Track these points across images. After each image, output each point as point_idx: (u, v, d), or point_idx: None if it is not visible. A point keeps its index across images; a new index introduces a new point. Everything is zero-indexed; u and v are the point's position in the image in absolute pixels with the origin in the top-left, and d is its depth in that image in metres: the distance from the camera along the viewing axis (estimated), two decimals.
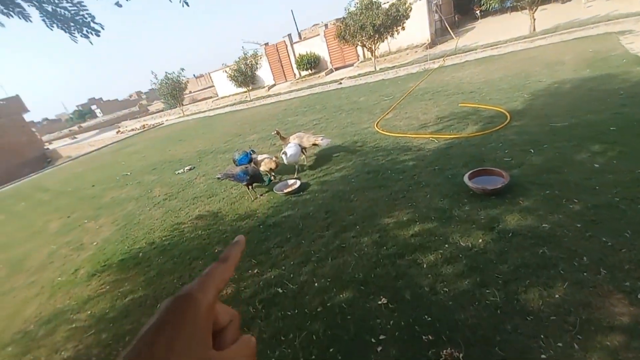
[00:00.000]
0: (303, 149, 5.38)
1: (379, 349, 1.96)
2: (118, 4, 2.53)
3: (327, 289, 2.56)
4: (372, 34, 13.48)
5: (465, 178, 3.34)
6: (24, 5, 2.25)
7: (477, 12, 21.67)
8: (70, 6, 2.39)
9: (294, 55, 21.65)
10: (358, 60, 19.20)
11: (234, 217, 4.39)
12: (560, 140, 3.85)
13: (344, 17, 14.35)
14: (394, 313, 2.15)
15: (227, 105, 19.78)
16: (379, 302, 2.26)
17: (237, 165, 5.11)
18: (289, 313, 2.44)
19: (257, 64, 19.05)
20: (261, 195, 4.79)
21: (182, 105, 23.02)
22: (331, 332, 2.17)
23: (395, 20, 13.40)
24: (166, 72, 20.42)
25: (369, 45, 14.35)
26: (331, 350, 2.05)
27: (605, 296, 1.87)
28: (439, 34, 19.14)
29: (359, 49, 18.03)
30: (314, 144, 5.41)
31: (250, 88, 20.39)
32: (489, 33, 14.86)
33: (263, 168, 5.05)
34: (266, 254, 3.32)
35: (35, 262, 5.07)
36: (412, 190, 3.68)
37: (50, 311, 3.58)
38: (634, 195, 2.59)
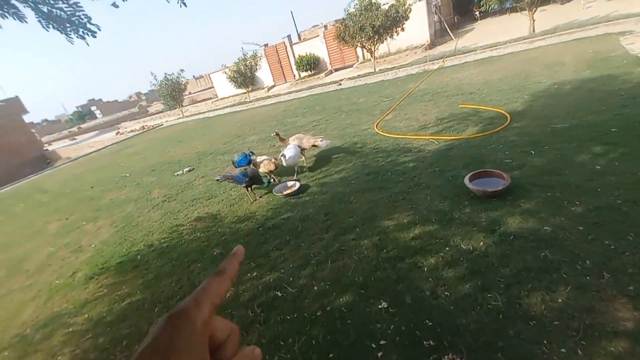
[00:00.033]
0: (302, 150, 5.36)
1: (380, 354, 1.93)
2: (115, 5, 2.51)
3: (326, 293, 2.54)
4: (371, 35, 13.46)
5: (466, 180, 3.31)
6: (20, 6, 2.23)
7: (477, 13, 21.67)
8: (66, 7, 2.36)
9: (294, 56, 21.64)
10: (357, 61, 19.19)
11: (233, 219, 4.37)
12: (561, 141, 3.82)
13: (343, 19, 14.34)
14: (394, 317, 2.12)
15: (226, 107, 19.76)
16: (380, 306, 2.23)
17: (236, 167, 5.09)
18: (288, 317, 2.41)
19: (256, 65, 19.05)
20: (260, 197, 4.77)
21: (182, 106, 23.01)
22: (331, 337, 2.14)
23: (394, 21, 13.39)
24: (165, 73, 20.42)
25: (369, 47, 14.34)
26: (331, 355, 2.03)
27: (609, 300, 1.84)
28: (439, 35, 19.14)
29: (359, 50, 18.04)
30: (314, 145, 5.39)
31: (250, 89, 20.39)
32: (488, 34, 14.86)
33: (262, 170, 5.03)
34: (265, 257, 3.29)
35: (34, 264, 5.03)
36: (412, 192, 3.66)
37: (48, 314, 3.54)
38: (637, 197, 2.57)
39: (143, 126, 23.28)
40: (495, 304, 1.99)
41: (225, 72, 19.61)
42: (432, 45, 16.95)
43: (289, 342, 2.20)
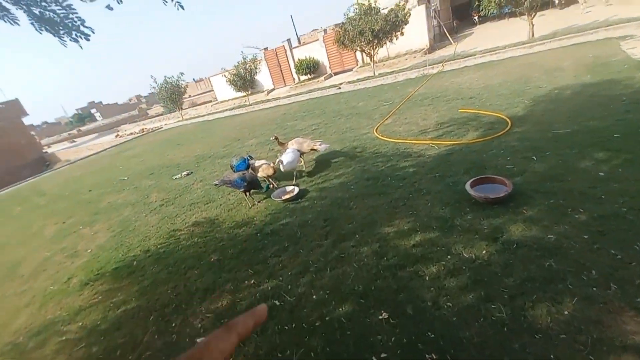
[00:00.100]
0: (301, 155, 5.31)
1: None
2: (109, 7, 2.47)
3: (325, 302, 2.48)
4: (371, 39, 13.48)
5: (467, 186, 3.27)
6: (12, 8, 2.19)
7: (476, 18, 21.76)
8: (59, 9, 2.32)
9: (293, 60, 21.67)
10: (357, 65, 19.21)
11: (231, 224, 4.31)
12: (563, 147, 3.78)
13: (343, 23, 14.36)
14: (395, 329, 2.06)
15: (226, 110, 19.74)
16: (380, 317, 2.17)
17: (234, 171, 5.04)
18: (286, 327, 2.35)
19: (256, 68, 19.08)
20: (259, 201, 4.71)
21: (182, 109, 23.01)
22: (330, 348, 2.08)
23: (394, 25, 13.41)
24: (165, 76, 20.45)
25: (368, 51, 14.35)
26: None
27: (617, 313, 1.79)
28: (438, 40, 19.19)
29: (358, 54, 18.06)
30: (313, 149, 5.35)
31: (250, 92, 20.39)
32: (487, 39, 14.89)
33: (261, 174, 4.98)
34: (263, 264, 3.23)
35: (29, 269, 4.96)
36: (413, 198, 3.61)
37: (41, 322, 3.47)
38: None
39: (142, 129, 23.24)
40: (499, 315, 1.94)
41: (225, 76, 19.62)
42: (431, 49, 16.97)
43: (287, 354, 2.14)
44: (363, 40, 13.63)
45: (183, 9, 2.61)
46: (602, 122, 4.11)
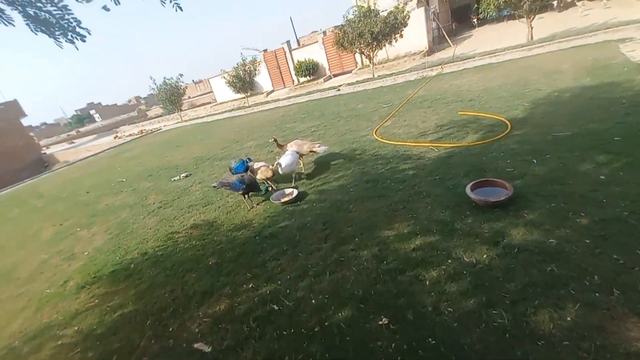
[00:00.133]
0: (301, 157, 5.29)
1: None
2: (105, 8, 2.45)
3: (324, 307, 2.44)
4: (370, 41, 13.49)
5: (467, 189, 3.24)
6: (7, 9, 2.17)
7: (474, 20, 21.83)
8: (54, 10, 2.30)
9: (293, 61, 21.69)
10: (356, 67, 19.23)
11: (230, 226, 4.28)
12: (563, 150, 3.77)
13: (342, 25, 14.37)
14: (395, 335, 2.03)
15: (225, 111, 19.72)
16: (380, 323, 2.14)
17: (233, 174, 5.01)
18: (285, 333, 2.31)
19: (255, 70, 19.07)
20: (258, 204, 4.68)
21: (181, 110, 22.97)
22: (329, 354, 2.05)
23: (393, 28, 13.43)
24: (164, 78, 20.42)
25: (367, 53, 14.37)
26: None
27: (620, 319, 1.76)
28: (437, 42, 19.23)
29: (357, 56, 18.07)
30: (312, 151, 5.33)
31: (249, 94, 20.38)
32: (486, 41, 14.92)
33: (259, 176, 4.95)
34: (262, 267, 3.20)
35: (25, 272, 4.91)
36: (413, 201, 3.58)
37: (37, 326, 3.43)
38: None
39: (141, 130, 23.20)
40: (501, 321, 1.91)
41: (224, 77, 19.61)
42: (430, 51, 17.01)
43: None
44: (362, 42, 13.64)
45: (181, 10, 2.59)
46: (602, 125, 4.10)
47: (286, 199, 4.47)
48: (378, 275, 2.60)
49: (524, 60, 9.46)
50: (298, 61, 21.16)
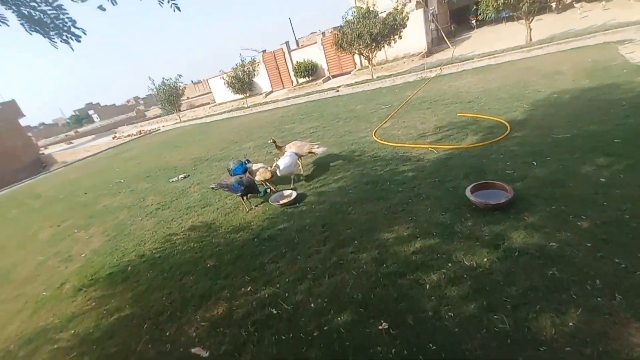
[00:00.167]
0: (299, 158, 5.26)
1: None
2: (101, 8, 2.42)
3: (324, 311, 2.42)
4: (369, 42, 13.48)
5: (467, 192, 3.22)
6: (0, 8, 2.13)
7: (473, 21, 21.85)
8: (49, 9, 2.27)
9: (292, 62, 21.67)
10: (355, 68, 19.22)
11: (228, 228, 4.25)
12: (563, 152, 3.75)
13: (341, 26, 14.37)
14: (395, 340, 2.01)
15: (224, 112, 19.69)
16: (380, 327, 2.12)
17: (231, 175, 4.98)
18: (284, 337, 2.29)
19: (254, 70, 19.04)
20: (256, 206, 4.65)
21: (180, 111, 22.92)
22: None
23: (392, 29, 13.42)
24: (163, 78, 20.37)
25: (366, 54, 14.36)
26: None
27: (623, 324, 1.74)
28: (436, 43, 19.24)
29: (356, 57, 18.06)
30: (311, 152, 5.30)
31: (248, 95, 20.34)
32: (484, 42, 14.93)
33: (258, 178, 4.93)
34: (260, 270, 3.17)
35: (22, 274, 4.87)
36: (412, 203, 3.56)
37: (33, 329, 3.39)
38: None
39: (140, 131, 23.13)
40: (502, 326, 1.89)
41: (223, 78, 19.57)
42: (429, 53, 17.01)
43: None
44: (361, 43, 13.63)
45: (179, 10, 2.57)
46: (602, 127, 4.09)
47: (285, 200, 4.44)
48: (378, 279, 2.58)
49: (523, 62, 9.45)
50: (297, 62, 21.14)
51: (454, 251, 2.63)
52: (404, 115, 7.32)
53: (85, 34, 2.37)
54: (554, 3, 18.31)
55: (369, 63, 14.96)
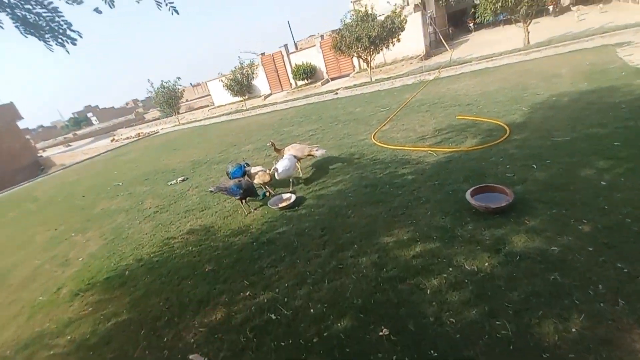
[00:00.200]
0: (298, 160, 5.24)
1: None
2: (97, 11, 2.40)
3: (323, 316, 2.39)
4: (367, 45, 13.52)
5: (467, 195, 3.21)
6: None
7: (471, 25, 21.96)
8: (44, 12, 2.24)
9: (290, 65, 21.71)
10: (354, 70, 19.26)
11: (227, 232, 4.22)
12: (563, 155, 3.74)
13: (340, 29, 14.41)
14: (396, 347, 1.98)
15: (222, 114, 19.67)
16: (380, 334, 2.09)
17: (230, 178, 4.96)
18: (283, 344, 2.26)
19: (253, 73, 19.06)
20: (255, 209, 4.63)
21: (178, 113, 22.89)
22: None
23: (390, 32, 13.48)
24: (162, 81, 20.35)
25: (365, 57, 14.39)
26: None
27: (626, 331, 1.72)
28: (434, 46, 19.31)
29: (355, 59, 18.10)
30: (309, 155, 5.28)
31: (247, 97, 20.35)
32: (482, 45, 14.98)
33: (257, 181, 4.90)
34: (259, 274, 3.14)
35: (18, 278, 4.82)
36: (412, 207, 3.54)
37: (29, 335, 3.34)
38: None
39: (138, 133, 23.09)
40: (504, 333, 1.86)
41: (222, 80, 19.58)
42: (427, 55, 17.06)
43: None
44: (360, 46, 13.67)
45: (177, 13, 2.55)
46: (601, 130, 4.09)
47: (284, 204, 4.41)
48: (378, 284, 2.55)
49: (521, 65, 9.48)
50: (296, 64, 21.19)
51: (454, 255, 2.61)
52: (403, 117, 7.31)
53: (81, 36, 2.35)
54: (551, 6, 18.42)
55: (368, 66, 15.00)
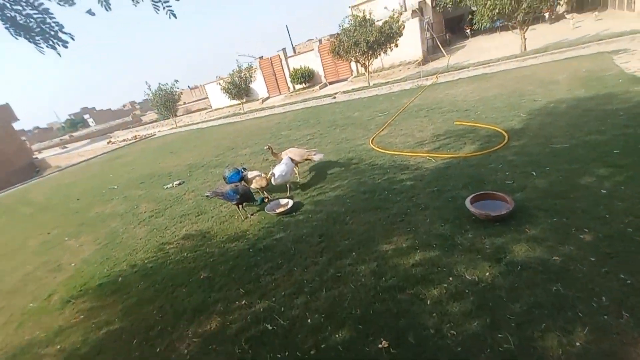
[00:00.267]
0: (296, 165, 5.20)
1: None
2: (90, 12, 2.35)
3: (321, 327, 2.33)
4: (365, 50, 13.58)
5: (467, 202, 3.17)
6: None
7: (468, 31, 22.13)
8: (35, 13, 2.19)
9: (288, 69, 21.74)
10: (352, 75, 19.30)
11: (223, 238, 4.15)
12: (562, 162, 3.72)
13: (338, 33, 14.47)
14: None
15: (220, 118, 19.61)
16: (380, 346, 2.03)
17: (227, 183, 4.90)
18: (279, 356, 2.19)
19: (251, 76, 19.06)
20: (252, 214, 4.56)
21: (176, 116, 22.80)
22: None
23: (388, 37, 13.55)
24: (159, 83, 20.30)
25: (363, 61, 14.44)
26: None
27: (631, 344, 1.68)
28: (431, 52, 19.42)
29: (353, 64, 18.15)
30: (307, 159, 5.24)
31: (244, 100, 20.32)
32: (479, 51, 15.08)
33: (254, 186, 4.84)
34: (255, 282, 3.08)
35: (8, 284, 4.71)
36: (411, 214, 3.50)
37: (18, 343, 3.25)
38: None
39: (135, 136, 22.96)
40: (507, 346, 1.81)
41: (220, 84, 19.55)
42: (425, 61, 17.14)
43: None
44: (358, 51, 13.72)
45: (175, 17, 2.51)
46: (600, 137, 4.08)
47: (281, 209, 4.36)
48: (377, 293, 2.50)
49: (518, 71, 9.52)
50: (294, 68, 21.22)
51: (454, 264, 2.57)
52: (401, 122, 7.30)
53: (73, 39, 2.30)
54: (547, 14, 18.61)
55: (366, 70, 15.04)
